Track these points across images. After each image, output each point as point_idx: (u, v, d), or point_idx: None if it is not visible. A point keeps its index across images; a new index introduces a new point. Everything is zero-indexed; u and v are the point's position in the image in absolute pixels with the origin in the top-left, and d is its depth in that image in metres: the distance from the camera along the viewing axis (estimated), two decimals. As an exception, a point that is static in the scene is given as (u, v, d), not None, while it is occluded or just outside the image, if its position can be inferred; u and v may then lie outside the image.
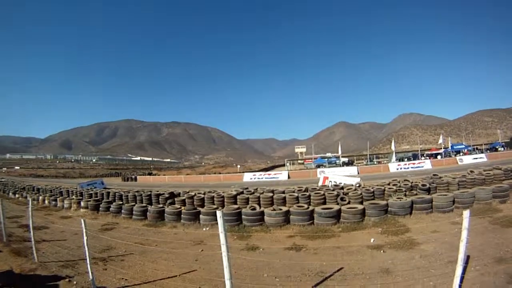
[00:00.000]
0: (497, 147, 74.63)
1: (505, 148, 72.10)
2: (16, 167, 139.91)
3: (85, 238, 7.79)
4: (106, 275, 9.10)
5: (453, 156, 64.69)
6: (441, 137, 75.79)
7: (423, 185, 18.95)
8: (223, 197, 21.98)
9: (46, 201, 27.95)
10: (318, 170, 56.41)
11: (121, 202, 22.76)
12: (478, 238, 9.25)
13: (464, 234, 5.50)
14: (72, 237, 14.12)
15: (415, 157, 71.77)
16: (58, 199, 26.77)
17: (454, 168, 42.04)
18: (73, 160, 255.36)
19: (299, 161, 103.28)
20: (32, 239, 10.69)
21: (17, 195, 35.42)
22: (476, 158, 54.26)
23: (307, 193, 19.82)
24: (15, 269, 9.72)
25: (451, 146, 76.75)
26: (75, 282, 8.55)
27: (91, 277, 7.75)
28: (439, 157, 66.18)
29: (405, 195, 17.41)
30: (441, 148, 73.78)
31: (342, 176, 30.87)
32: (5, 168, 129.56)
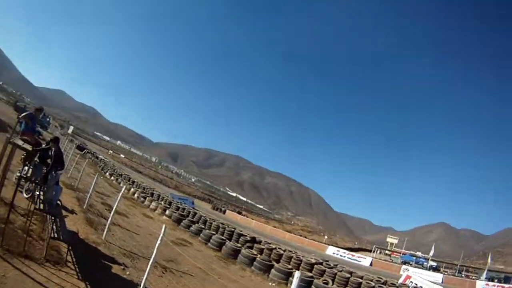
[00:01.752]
0: None
1: None
2: (121, 155, 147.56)
3: (159, 241, 7.87)
4: (159, 282, 9.08)
5: None
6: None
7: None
8: (301, 261, 21.27)
9: (136, 195, 29.13)
10: (403, 266, 53.11)
11: (203, 227, 22.94)
12: None
13: None
14: (145, 235, 14.48)
15: (507, 280, 64.52)
16: (147, 198, 27.87)
17: None
18: (174, 172, 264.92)
19: (387, 252, 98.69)
20: (110, 219, 11.15)
21: (112, 178, 37.36)
22: None
23: (385, 287, 18.74)
24: (81, 234, 10.11)
25: None
26: (127, 273, 8.66)
27: (145, 276, 7.72)
28: (531, 282, 59.24)
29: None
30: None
31: (426, 280, 28.80)
32: (111, 151, 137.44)
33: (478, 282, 49.89)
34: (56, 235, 7.36)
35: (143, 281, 7.72)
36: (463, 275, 68.80)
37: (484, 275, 62.03)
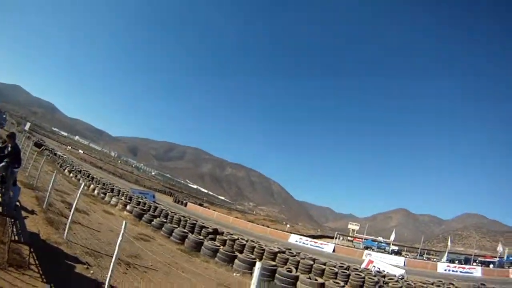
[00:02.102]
0: None
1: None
2: (80, 151, 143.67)
3: (120, 238, 7.87)
4: (124, 279, 9.07)
5: (507, 267, 60.19)
6: (500, 245, 71.31)
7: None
8: (264, 250, 21.73)
9: (96, 191, 28.68)
10: (365, 252, 54.90)
11: (165, 220, 22.90)
12: None
13: None
14: (107, 232, 14.33)
15: (467, 261, 67.50)
16: (107, 193, 27.50)
17: (505, 280, 39.75)
18: (134, 166, 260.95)
19: (349, 238, 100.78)
20: (70, 217, 10.99)
21: (71, 175, 36.48)
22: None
23: (348, 272, 19.39)
24: (42, 235, 9.94)
25: (507, 256, 71.23)
26: (91, 272, 8.61)
27: (109, 274, 7.74)
28: (491, 266, 62.04)
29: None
30: (496, 257, 69.19)
31: (388, 264, 29.75)
32: (69, 147, 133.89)
33: (439, 264, 52.04)
34: (17, 238, 7.27)
35: (107, 279, 7.71)
36: (424, 258, 71.50)
37: (445, 257, 64.55)
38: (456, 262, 63.46)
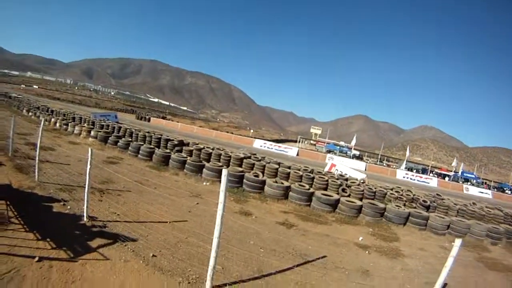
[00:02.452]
0: (505, 188, 72.95)
1: (512, 192, 70.79)
2: (35, 86, 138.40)
3: (88, 166, 8.02)
4: (100, 206, 9.32)
5: (461, 182, 64.03)
6: (455, 160, 75.10)
7: (424, 201, 18.83)
8: (230, 157, 22.08)
9: (58, 124, 28.02)
10: (328, 155, 56.42)
11: (130, 139, 22.89)
12: (460, 270, 9.24)
13: (450, 261, 5.54)
14: (76, 163, 14.41)
15: (424, 171, 71.19)
16: (69, 124, 26.86)
17: (458, 194, 41.55)
18: (91, 89, 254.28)
19: (311, 142, 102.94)
20: (37, 159, 10.91)
21: (30, 114, 35.41)
22: (482, 193, 53.56)
23: (312, 175, 19.87)
24: (14, 184, 9.95)
25: (461, 172, 75.28)
26: (68, 207, 8.78)
27: (85, 205, 7.99)
28: (446, 179, 65.55)
29: (404, 205, 17.36)
30: (451, 171, 72.96)
31: (349, 168, 30.69)
32: (23, 86, 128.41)
33: (398, 171, 54.57)
34: None
35: (84, 211, 8.02)
36: (384, 164, 74.12)
37: (403, 165, 67.10)
38: (414, 171, 66.51)
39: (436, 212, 17.94)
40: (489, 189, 62.80)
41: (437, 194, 23.95)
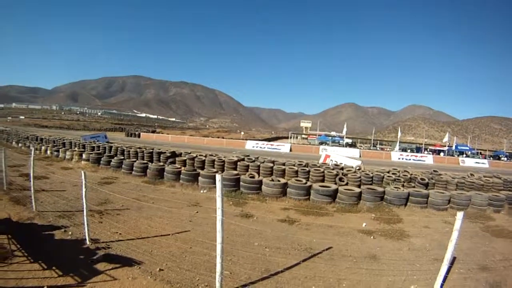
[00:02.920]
0: (500, 155, 73.60)
1: (508, 158, 71.29)
2: (21, 117, 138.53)
3: (83, 190, 7.94)
4: (101, 228, 9.30)
5: (456, 156, 64.55)
6: (447, 135, 75.49)
7: (422, 179, 18.98)
8: (223, 161, 22.21)
9: (49, 152, 27.75)
10: (321, 147, 56.56)
11: (123, 157, 22.86)
12: (467, 242, 9.33)
13: (455, 235, 5.57)
14: (71, 188, 14.33)
15: (418, 150, 71.84)
16: (60, 150, 26.63)
17: (455, 168, 41.95)
18: (78, 112, 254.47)
19: (303, 136, 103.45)
20: (32, 189, 10.83)
21: (20, 145, 35.18)
22: (478, 163, 54.26)
23: (307, 169, 20.00)
24: (13, 217, 9.88)
25: (455, 145, 75.96)
26: (70, 233, 8.74)
27: (86, 228, 7.95)
28: (442, 154, 66.27)
29: (403, 185, 17.48)
30: (445, 146, 73.58)
31: (344, 157, 30.82)
32: (10, 117, 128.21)
33: (393, 153, 54.89)
34: None
35: (86, 234, 7.99)
36: (378, 148, 74.65)
37: (397, 147, 67.57)
38: (408, 150, 67.12)
39: (435, 188, 18.10)
40: (485, 158, 63.31)
41: (434, 171, 24.13)
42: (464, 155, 67.17)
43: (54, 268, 6.58)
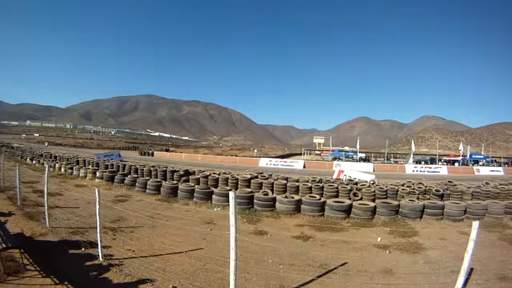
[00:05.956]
0: None
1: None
2: (36, 134, 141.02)
3: (97, 207, 7.96)
4: (115, 244, 9.29)
5: (471, 165, 63.95)
6: (461, 144, 74.77)
7: (436, 190, 18.74)
8: (237, 179, 22.04)
9: (63, 169, 28.03)
10: (334, 162, 56.25)
11: (136, 176, 23.02)
12: (484, 252, 9.13)
13: (471, 245, 5.47)
14: (85, 205, 14.36)
15: (432, 161, 71.27)
16: (74, 167, 26.82)
17: (470, 177, 41.27)
18: (92, 131, 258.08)
19: (316, 152, 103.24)
20: (46, 205, 10.90)
21: (34, 161, 35.69)
22: (493, 171, 53.67)
23: (321, 184, 19.78)
24: (26, 232, 9.94)
25: (469, 154, 75.42)
26: (83, 249, 8.74)
27: (99, 245, 7.94)
28: (456, 164, 65.74)
29: (418, 198, 17.25)
30: (459, 156, 72.94)
31: (358, 171, 30.61)
32: (24, 135, 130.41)
33: (407, 166, 54.29)
34: (4, 246, 7.30)
35: (99, 251, 7.96)
36: (392, 162, 74.15)
37: (411, 159, 66.96)
38: (423, 162, 66.61)
39: (450, 199, 17.84)
40: (500, 166, 62.63)
41: (448, 181, 23.82)
42: (479, 164, 66.51)
43: (66, 283, 6.56)
